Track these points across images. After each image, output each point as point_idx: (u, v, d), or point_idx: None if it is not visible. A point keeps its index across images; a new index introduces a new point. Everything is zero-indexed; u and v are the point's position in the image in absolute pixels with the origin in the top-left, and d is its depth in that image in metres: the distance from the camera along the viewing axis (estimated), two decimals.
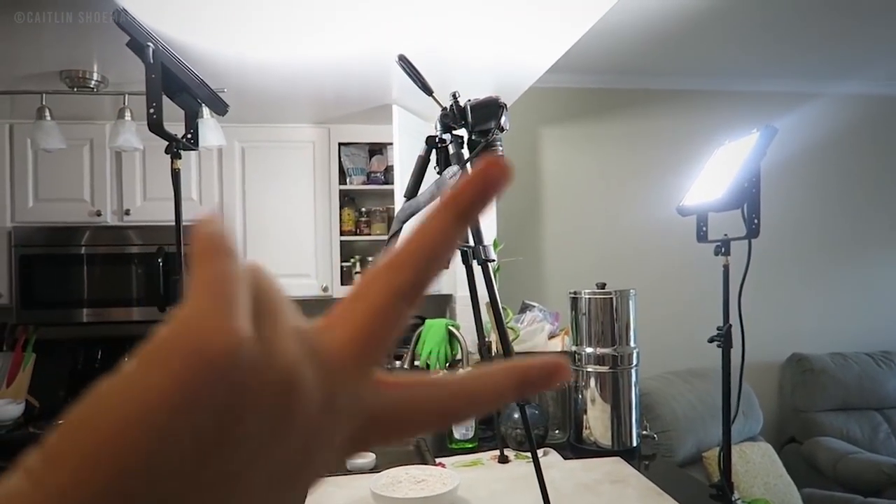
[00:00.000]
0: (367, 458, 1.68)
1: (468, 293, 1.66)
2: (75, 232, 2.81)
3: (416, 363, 2.31)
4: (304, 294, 3.00)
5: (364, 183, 3.16)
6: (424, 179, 1.56)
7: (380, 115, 2.83)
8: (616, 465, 1.77)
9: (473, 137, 1.51)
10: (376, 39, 1.98)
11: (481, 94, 1.53)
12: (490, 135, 1.45)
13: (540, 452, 1.65)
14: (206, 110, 1.98)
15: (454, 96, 1.50)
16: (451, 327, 2.36)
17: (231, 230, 0.22)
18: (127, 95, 2.26)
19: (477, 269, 1.50)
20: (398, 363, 2.41)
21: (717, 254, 1.61)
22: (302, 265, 3.02)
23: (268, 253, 2.98)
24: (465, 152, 1.52)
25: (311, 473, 0.22)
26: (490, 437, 2.01)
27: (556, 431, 2.03)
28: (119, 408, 0.18)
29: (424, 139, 1.56)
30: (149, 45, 1.46)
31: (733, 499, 1.59)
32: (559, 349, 2.28)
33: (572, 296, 2.02)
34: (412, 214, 1.51)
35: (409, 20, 1.84)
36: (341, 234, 3.09)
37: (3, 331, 2.87)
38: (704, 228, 1.71)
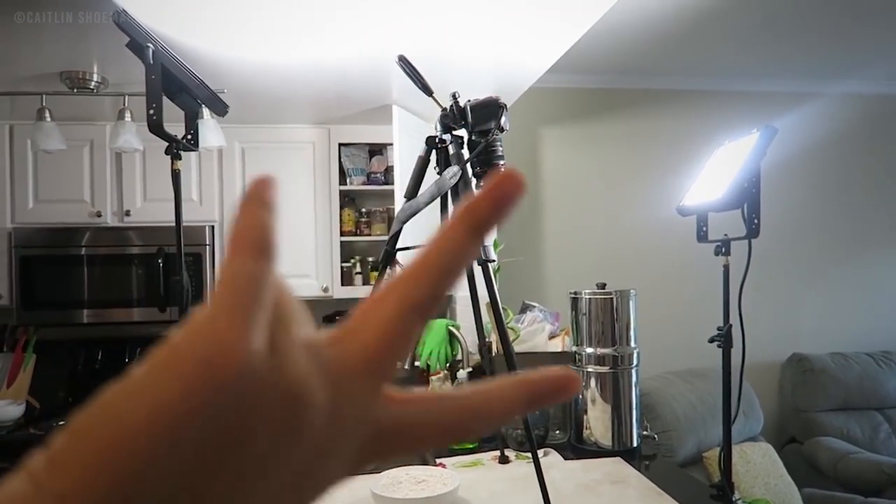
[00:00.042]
0: None
1: (468, 293, 1.66)
2: (75, 233, 2.81)
3: (417, 363, 2.31)
4: (305, 294, 3.00)
5: (364, 183, 3.16)
6: (424, 180, 1.56)
7: (380, 116, 2.83)
8: (616, 465, 1.77)
9: (473, 138, 1.51)
10: (376, 40, 1.98)
11: (481, 95, 1.53)
12: (490, 135, 1.45)
13: (540, 453, 1.65)
14: (206, 111, 1.98)
15: (454, 97, 1.50)
16: (451, 328, 2.36)
17: (275, 218, 0.22)
18: (127, 96, 2.26)
19: (477, 270, 1.50)
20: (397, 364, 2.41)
21: (717, 254, 1.61)
22: (302, 265, 3.03)
23: None
24: (465, 153, 1.52)
25: (318, 484, 0.22)
26: (490, 438, 2.01)
27: (557, 432, 2.03)
28: (125, 415, 0.18)
29: (424, 140, 1.56)
30: (149, 46, 1.46)
31: (734, 499, 1.59)
32: (559, 349, 2.28)
33: (572, 296, 2.02)
34: (412, 215, 1.51)
35: (409, 20, 1.84)
36: (341, 234, 3.09)
37: (4, 332, 2.87)
38: (704, 228, 1.71)
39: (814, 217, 3.90)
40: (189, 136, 1.69)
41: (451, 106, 1.50)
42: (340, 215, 3.09)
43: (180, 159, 1.56)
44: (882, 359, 3.69)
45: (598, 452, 1.89)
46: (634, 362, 1.95)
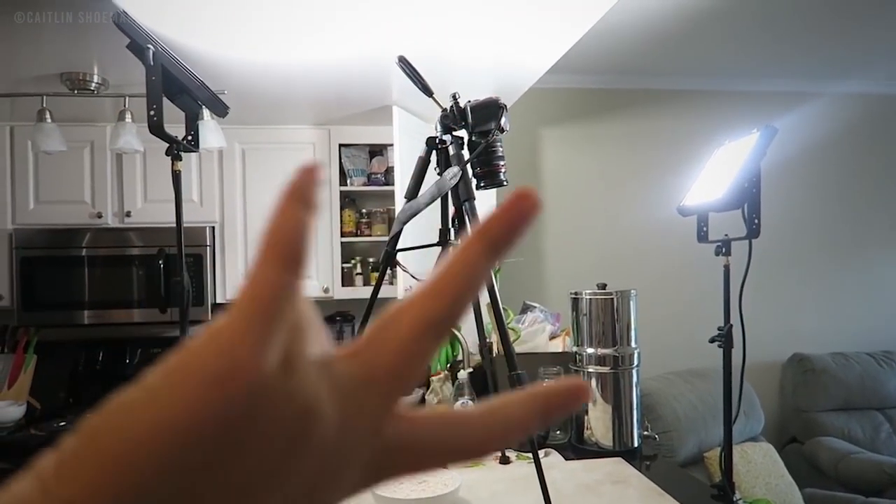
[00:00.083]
0: None
1: None
2: (76, 234, 2.81)
3: None
4: (305, 295, 2.99)
5: (364, 184, 3.16)
6: (425, 180, 1.56)
7: (380, 117, 2.83)
8: (617, 465, 1.77)
9: (474, 138, 1.51)
10: (376, 40, 1.98)
11: (481, 95, 1.53)
12: (490, 136, 1.46)
13: (541, 453, 1.65)
14: (206, 112, 1.98)
15: (454, 97, 1.50)
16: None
17: (312, 221, 0.21)
18: (127, 97, 2.26)
19: None
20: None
21: (717, 254, 1.61)
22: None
23: None
24: (466, 153, 1.52)
25: (325, 500, 0.22)
26: None
27: (558, 432, 2.03)
28: (134, 425, 0.18)
29: (425, 140, 1.56)
30: (149, 48, 1.46)
31: (735, 499, 1.59)
32: (560, 350, 2.28)
33: (573, 296, 2.02)
34: (413, 215, 1.51)
35: (409, 21, 1.84)
36: (342, 235, 3.09)
37: (5, 333, 2.88)
38: (705, 228, 1.71)
39: (814, 217, 3.90)
40: (189, 137, 1.69)
41: (452, 106, 1.50)
42: (341, 216, 3.09)
43: (181, 160, 1.56)
44: (883, 359, 3.68)
45: (599, 453, 1.89)
46: (635, 362, 1.95)
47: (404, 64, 1.51)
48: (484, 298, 1.57)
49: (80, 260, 2.80)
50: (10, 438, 2.48)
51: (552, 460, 1.83)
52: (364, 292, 3.02)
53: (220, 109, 1.84)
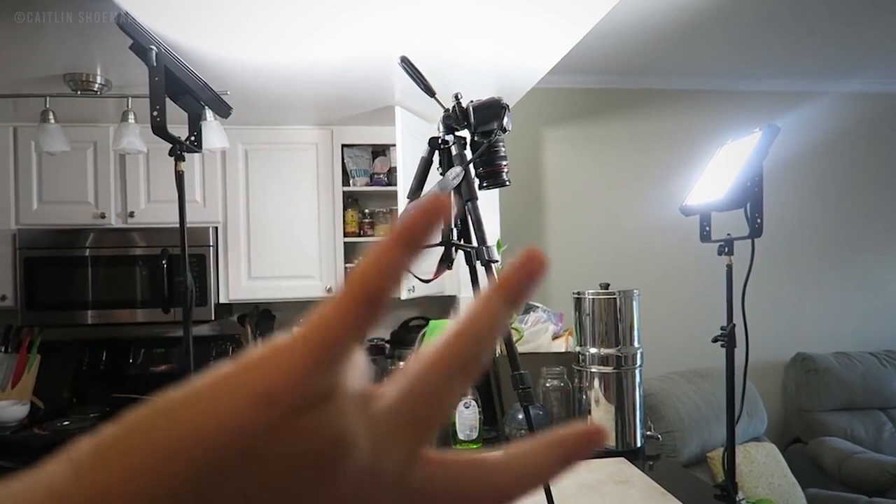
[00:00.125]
0: None
1: (472, 294, 1.66)
2: (79, 234, 2.82)
3: None
4: (308, 295, 3.00)
5: (367, 184, 3.16)
6: (427, 180, 1.56)
7: (382, 117, 2.83)
8: (620, 465, 1.77)
9: (476, 138, 1.51)
10: (378, 41, 1.98)
11: (483, 95, 1.53)
12: (493, 136, 1.46)
13: None
14: (209, 113, 1.99)
15: (457, 97, 1.50)
16: None
17: (413, 264, 0.22)
18: (130, 98, 2.26)
19: (480, 271, 1.50)
20: (402, 364, 2.41)
21: (720, 253, 1.61)
22: (305, 267, 3.03)
23: (271, 254, 2.99)
24: (468, 153, 1.52)
25: None
26: (494, 438, 2.01)
27: None
28: (174, 425, 0.19)
29: (427, 140, 1.56)
30: (152, 48, 1.46)
31: (737, 499, 1.59)
32: (563, 350, 2.28)
33: (576, 296, 2.02)
34: None
35: (411, 21, 1.85)
36: (345, 235, 3.09)
37: (9, 332, 2.88)
38: (707, 228, 1.71)
39: (817, 216, 3.89)
40: (192, 138, 1.69)
41: (454, 107, 1.50)
42: (344, 216, 3.09)
43: (184, 161, 1.57)
44: (886, 358, 3.68)
45: (602, 452, 1.89)
46: (638, 362, 1.95)
47: (406, 64, 1.51)
48: None
49: (84, 260, 2.80)
50: (13, 438, 2.49)
51: None
52: None
53: (223, 110, 1.85)
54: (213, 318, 2.89)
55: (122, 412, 0.19)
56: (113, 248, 2.83)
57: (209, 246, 2.88)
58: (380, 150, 3.19)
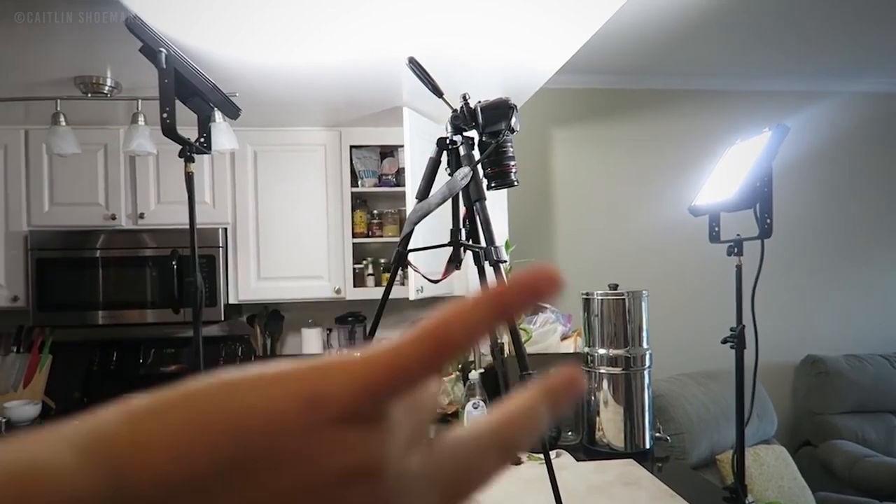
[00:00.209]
0: None
1: None
2: (90, 235, 2.84)
3: None
4: (317, 296, 3.01)
5: (376, 185, 3.17)
6: (436, 181, 1.56)
7: (390, 118, 2.83)
8: (629, 467, 1.76)
9: (484, 139, 1.51)
10: (387, 42, 1.98)
11: (491, 96, 1.53)
12: (501, 136, 1.46)
13: (553, 454, 1.65)
14: (218, 114, 2.00)
15: (464, 98, 1.51)
16: None
17: (498, 330, 0.21)
18: (140, 100, 2.28)
19: (489, 271, 1.50)
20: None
21: (729, 254, 1.60)
22: (314, 267, 3.04)
23: (280, 255, 3.00)
24: (476, 154, 1.53)
25: None
26: None
27: (569, 433, 2.03)
28: (229, 404, 0.19)
29: (435, 141, 1.56)
30: (161, 51, 1.47)
31: (747, 502, 1.58)
32: (572, 350, 2.28)
33: (584, 297, 2.02)
34: (424, 216, 1.51)
35: (419, 22, 1.85)
36: (353, 236, 3.10)
37: (20, 333, 2.91)
38: (717, 228, 1.70)
39: (827, 217, 3.86)
40: (202, 140, 1.70)
41: (462, 107, 1.50)
42: (352, 217, 3.10)
43: (193, 162, 1.58)
44: None
45: (611, 454, 1.88)
46: (647, 363, 1.94)
47: (414, 65, 1.52)
48: None
49: (95, 261, 2.82)
50: None
51: (564, 461, 1.83)
52: (376, 293, 3.03)
53: (232, 112, 1.86)
54: (222, 318, 2.91)
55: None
56: (123, 249, 2.85)
57: (219, 247, 2.90)
58: (388, 151, 3.20)
